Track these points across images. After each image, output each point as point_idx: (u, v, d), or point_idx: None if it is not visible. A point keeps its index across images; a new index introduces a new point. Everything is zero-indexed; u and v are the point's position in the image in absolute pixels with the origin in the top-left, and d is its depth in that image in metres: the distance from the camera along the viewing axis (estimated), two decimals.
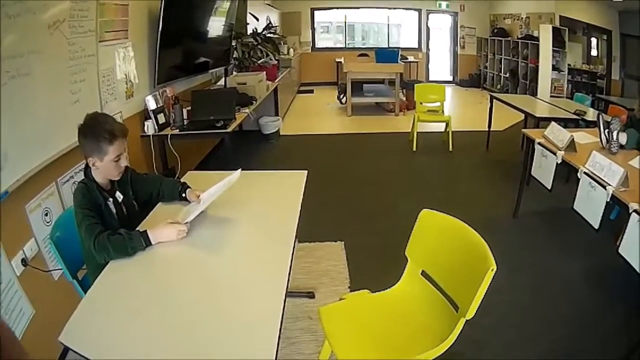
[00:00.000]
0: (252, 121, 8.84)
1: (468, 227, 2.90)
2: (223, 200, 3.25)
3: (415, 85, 10.63)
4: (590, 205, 4.59)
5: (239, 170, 3.29)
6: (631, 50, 12.46)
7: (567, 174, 6.38)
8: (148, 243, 2.75)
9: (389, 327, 3.00)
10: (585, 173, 4.69)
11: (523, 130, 6.55)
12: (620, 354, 3.85)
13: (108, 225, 2.80)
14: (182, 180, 3.59)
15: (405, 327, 3.00)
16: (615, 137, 5.32)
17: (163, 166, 6.06)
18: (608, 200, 4.24)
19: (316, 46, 18.51)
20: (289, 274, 2.54)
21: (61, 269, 3.02)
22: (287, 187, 3.79)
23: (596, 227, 4.46)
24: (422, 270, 3.24)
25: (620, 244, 3.93)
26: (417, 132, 9.52)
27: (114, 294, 2.41)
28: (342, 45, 18.93)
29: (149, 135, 5.84)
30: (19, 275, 3.26)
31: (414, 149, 9.44)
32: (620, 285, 4.90)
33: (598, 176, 4.48)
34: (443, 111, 10.24)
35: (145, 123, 5.82)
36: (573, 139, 5.27)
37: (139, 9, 5.72)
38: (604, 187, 4.31)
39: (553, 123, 5.83)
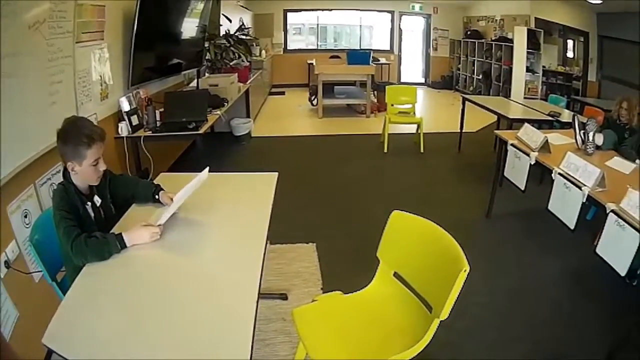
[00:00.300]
0: (223, 123, 8.98)
1: (439, 228, 2.90)
2: (195, 202, 3.28)
3: (387, 87, 10.55)
4: (565, 206, 4.55)
5: (207, 169, 3.28)
6: (609, 51, 12.55)
7: (540, 175, 6.25)
8: (123, 246, 2.74)
9: (362, 328, 2.98)
10: (559, 174, 4.64)
11: (496, 131, 6.52)
12: (604, 353, 3.86)
13: (86, 228, 2.78)
14: (155, 182, 3.55)
15: (379, 329, 2.98)
16: (591, 138, 5.32)
17: (136, 168, 5.97)
18: (584, 200, 4.22)
19: (288, 48, 18.32)
20: (261, 275, 2.56)
21: (41, 271, 2.98)
22: (258, 189, 3.79)
23: (572, 227, 4.45)
24: (394, 272, 3.23)
25: (597, 244, 3.96)
26: (389, 134, 9.47)
27: (91, 297, 2.41)
28: (314, 47, 18.77)
29: (123, 137, 5.78)
30: (2, 278, 3.24)
31: (386, 150, 9.38)
32: (599, 285, 4.90)
33: (573, 177, 4.44)
34: (414, 113, 10.19)
35: (119, 125, 5.76)
36: (547, 140, 5.22)
37: (115, 10, 5.66)
38: (580, 187, 4.27)
39: (526, 124, 5.79)
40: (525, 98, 12.17)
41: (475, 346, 3.98)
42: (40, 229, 3.01)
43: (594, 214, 5.71)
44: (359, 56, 13.26)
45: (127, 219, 3.20)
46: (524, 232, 6.16)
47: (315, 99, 13.00)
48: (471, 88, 17.14)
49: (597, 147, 5.43)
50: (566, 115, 7.75)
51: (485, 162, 8.18)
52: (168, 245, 2.85)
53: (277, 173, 4.03)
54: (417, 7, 18.28)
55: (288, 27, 18.15)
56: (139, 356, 1.96)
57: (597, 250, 3.96)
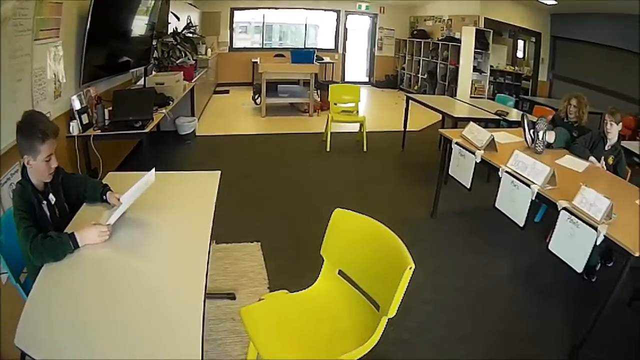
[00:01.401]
0: (169, 121, 8.86)
1: (382, 226, 2.91)
2: (141, 201, 3.25)
3: (330, 85, 10.43)
4: (514, 203, 4.53)
5: (153, 170, 3.32)
6: (562, 52, 12.84)
7: (487, 173, 6.31)
8: (76, 245, 2.72)
9: (311, 326, 2.97)
10: (507, 172, 4.58)
11: (440, 130, 6.45)
12: (563, 350, 3.91)
13: (42, 227, 2.79)
14: (103, 181, 3.55)
15: (327, 327, 2.98)
16: (541, 136, 5.29)
17: (87, 167, 5.88)
18: (533, 198, 4.20)
19: (234, 46, 17.90)
20: (207, 274, 2.59)
21: (7, 272, 2.98)
22: (202, 188, 3.81)
23: (521, 224, 4.46)
24: (339, 270, 3.23)
25: (550, 240, 4.00)
26: (331, 133, 9.39)
27: (52, 298, 2.38)
28: (260, 46, 18.45)
29: (74, 136, 5.68)
30: None
31: (328, 149, 9.28)
32: (553, 282, 4.93)
33: (521, 175, 4.39)
34: (358, 112, 10.11)
35: (71, 123, 5.64)
36: (493, 139, 5.13)
37: (70, 7, 5.52)
38: (528, 185, 4.23)
39: (472, 123, 5.70)
40: (472, 97, 12.09)
41: (426, 344, 3.94)
42: (4, 230, 2.97)
43: (542, 216, 5.75)
44: (303, 55, 13.14)
45: (79, 218, 3.18)
46: (471, 230, 6.12)
47: (259, 98, 12.76)
48: (416, 87, 17.13)
49: (549, 145, 5.43)
50: (514, 115, 7.75)
51: (430, 161, 8.08)
52: (117, 245, 2.85)
53: (220, 171, 4.01)
54: (363, 6, 18.21)
55: (234, 25, 17.82)
56: (101, 355, 2.00)
57: (550, 247, 3.97)
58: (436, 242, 5.77)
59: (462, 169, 5.47)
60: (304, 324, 2.97)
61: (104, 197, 3.30)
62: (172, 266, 2.68)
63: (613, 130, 5.13)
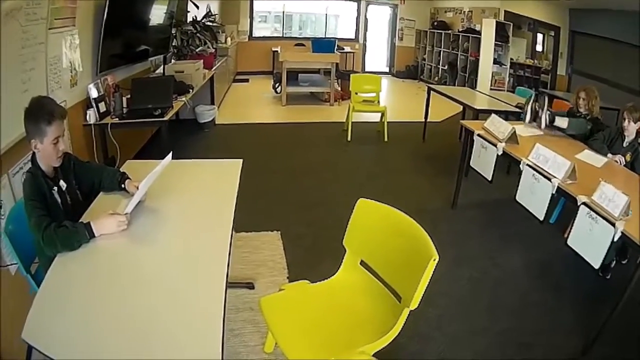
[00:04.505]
0: (188, 110, 8.90)
1: (406, 217, 2.90)
2: (161, 190, 3.28)
3: (351, 75, 10.47)
4: (534, 197, 4.52)
5: (169, 155, 3.27)
6: (581, 47, 12.63)
7: (507, 165, 6.32)
8: (92, 235, 2.70)
9: (331, 317, 2.96)
10: (528, 165, 4.58)
11: (461, 121, 6.38)
12: (576, 344, 3.89)
13: (53, 215, 2.77)
14: (121, 169, 3.51)
15: (348, 318, 2.96)
16: (545, 115, 5.61)
17: (104, 155, 5.88)
18: (554, 192, 4.20)
19: (253, 35, 17.94)
20: (229, 264, 2.54)
21: (17, 263, 2.97)
22: (223, 176, 3.73)
23: (541, 219, 4.47)
24: (361, 260, 3.23)
25: (569, 235, 3.98)
26: (352, 122, 9.38)
27: (64, 290, 2.34)
28: (279, 35, 18.41)
29: (91, 124, 5.68)
30: None
31: (349, 139, 9.29)
32: (569, 278, 4.89)
33: (542, 168, 4.39)
34: (379, 102, 10.12)
35: (87, 112, 5.65)
36: (515, 131, 5.13)
37: None
38: (549, 179, 4.23)
39: (493, 115, 5.69)
40: (491, 90, 12.09)
41: (442, 338, 3.92)
42: (15, 220, 2.99)
43: (557, 216, 5.74)
44: (323, 44, 13.17)
45: (95, 207, 3.14)
46: (489, 223, 6.12)
47: (280, 87, 12.83)
48: (436, 78, 17.12)
49: (562, 131, 5.68)
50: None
51: (450, 152, 8.11)
52: (135, 235, 2.80)
53: (241, 160, 3.99)
54: None
55: (254, 14, 17.84)
56: (112, 354, 1.93)
57: (569, 243, 3.95)
58: (455, 232, 5.76)
59: (483, 161, 5.49)
60: (324, 314, 2.98)
61: (123, 185, 3.30)
62: (192, 257, 2.64)
63: (630, 128, 5.14)
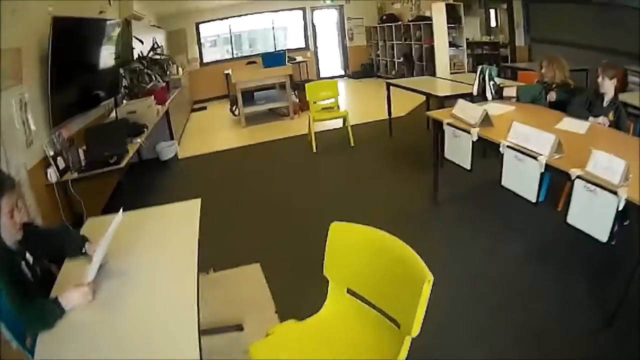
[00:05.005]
0: (148, 149, 8.94)
1: (389, 236, 2.64)
2: (121, 247, 3.09)
3: (306, 84, 10.02)
4: (522, 179, 4.28)
5: (120, 213, 3.02)
6: (536, 13, 12.60)
7: (482, 148, 5.87)
8: (62, 311, 2.53)
9: (328, 354, 2.72)
10: (508, 146, 4.30)
11: (428, 113, 6.08)
12: (590, 321, 3.74)
13: (27, 291, 2.65)
14: (84, 229, 3.46)
15: (345, 353, 2.72)
16: (489, 86, 5.79)
17: (72, 214, 5.68)
18: (542, 171, 3.98)
19: (204, 61, 17.78)
20: (198, 311, 2.42)
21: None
22: (182, 220, 3.56)
23: (534, 200, 4.22)
24: (348, 289, 2.97)
25: (567, 213, 3.77)
26: (315, 132, 9.15)
27: None
28: (231, 56, 18.26)
29: (53, 184, 5.47)
30: None
31: (315, 150, 9.05)
32: (571, 253, 4.68)
33: (525, 147, 4.14)
34: (338, 107, 9.83)
35: (47, 171, 5.43)
36: (487, 113, 4.84)
37: (30, 51, 5.47)
38: (535, 157, 3.99)
39: (460, 100, 5.43)
40: (452, 73, 12.02)
41: (447, 348, 3.68)
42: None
43: (546, 192, 5.41)
44: (273, 58, 12.97)
45: (62, 278, 2.95)
46: (477, 212, 5.87)
47: (237, 109, 12.62)
48: (393, 72, 16.91)
49: (517, 100, 5.85)
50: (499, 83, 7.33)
51: (421, 145, 7.96)
52: (103, 303, 2.65)
53: (199, 199, 3.76)
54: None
55: (203, 40, 17.76)
56: None
57: (569, 221, 3.74)
58: (443, 230, 5.48)
59: (458, 150, 5.18)
60: (320, 353, 2.72)
61: (84, 250, 3.08)
62: (162, 310, 2.51)
63: (606, 85, 5.04)
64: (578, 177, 3.55)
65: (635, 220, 4.11)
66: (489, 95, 5.30)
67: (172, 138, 10.11)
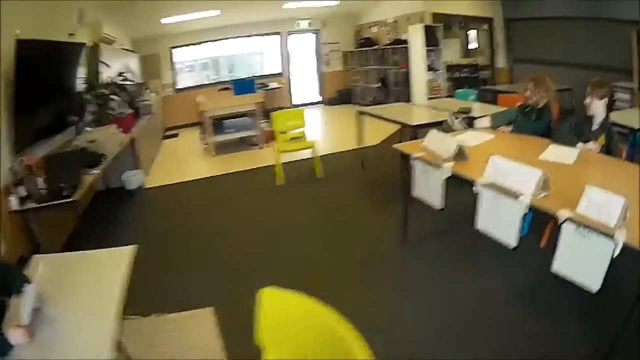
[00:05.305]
0: (113, 177, 8.92)
1: (323, 309, 2.20)
2: (55, 291, 3.05)
3: (272, 113, 9.61)
4: (500, 221, 3.76)
5: (40, 263, 3.20)
6: (518, 33, 12.81)
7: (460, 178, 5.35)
8: (11, 346, 2.58)
9: None
10: (485, 185, 3.78)
11: (395, 146, 5.47)
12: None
13: None
14: (28, 267, 3.36)
15: None
16: (451, 120, 5.73)
17: (32, 245, 5.51)
18: (525, 212, 3.46)
19: (179, 86, 17.31)
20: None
21: None
22: (112, 266, 3.37)
23: (513, 245, 3.69)
24: None
25: (553, 260, 3.31)
26: (283, 163, 8.80)
27: None
28: (206, 82, 17.86)
29: (14, 212, 5.37)
30: None
31: (281, 182, 8.65)
32: (552, 296, 4.34)
33: (504, 186, 3.62)
34: (305, 137, 9.56)
35: (10, 198, 5.35)
36: (461, 147, 4.34)
37: None
38: (516, 196, 3.46)
39: (432, 131, 4.92)
40: (430, 99, 11.80)
41: None
42: None
43: (528, 227, 5.06)
44: (244, 85, 12.77)
45: (12, 312, 2.91)
46: (450, 251, 5.42)
47: (206, 137, 12.26)
48: (370, 99, 16.50)
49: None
50: (478, 110, 7.08)
51: (393, 176, 7.20)
52: (35, 344, 2.61)
53: (134, 246, 3.53)
54: (303, 24, 17.65)
55: (180, 65, 17.39)
56: None
57: (555, 269, 3.29)
58: (413, 271, 5.04)
59: (428, 187, 4.66)
60: None
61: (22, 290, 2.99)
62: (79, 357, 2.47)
63: (595, 106, 4.71)
64: (568, 219, 3.07)
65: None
66: (459, 127, 4.84)
67: (137, 167, 9.74)
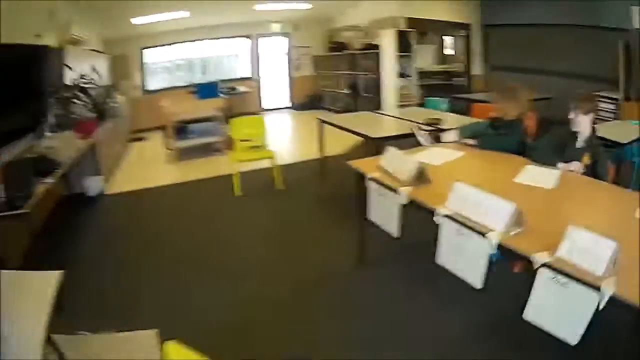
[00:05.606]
0: (75, 182, 8.60)
1: None
2: None
3: (230, 120, 9.30)
4: (464, 259, 3.19)
5: None
6: (496, 40, 12.71)
7: None
8: None
9: None
10: (447, 216, 3.20)
11: (350, 163, 5.02)
12: None
13: None
14: None
15: None
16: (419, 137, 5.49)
17: None
18: (494, 252, 2.90)
19: (149, 88, 16.81)
20: None
21: None
22: (36, 291, 3.14)
23: (479, 286, 3.13)
24: None
25: (526, 306, 2.80)
26: (242, 172, 8.40)
27: None
28: (181, 84, 17.11)
29: None
30: None
31: (239, 193, 8.21)
32: (526, 330, 3.39)
33: (470, 219, 3.05)
34: (265, 145, 8.97)
35: None
36: (422, 169, 3.77)
37: None
38: (483, 233, 2.92)
39: (390, 149, 4.35)
40: (400, 106, 11.64)
41: None
42: None
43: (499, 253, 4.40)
44: (208, 89, 12.49)
45: None
46: (412, 277, 4.95)
47: (171, 143, 11.89)
48: (339, 104, 16.27)
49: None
50: (449, 121, 6.61)
51: (356, 189, 6.78)
52: None
53: (58, 272, 3.23)
54: (275, 27, 17.34)
55: (155, 66, 16.99)
56: None
57: (528, 317, 2.77)
58: (369, 299, 4.60)
59: (384, 212, 4.09)
60: None
61: None
62: None
63: (580, 122, 4.25)
64: (544, 265, 2.55)
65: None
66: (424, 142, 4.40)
67: (98, 173, 9.36)
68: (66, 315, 3.19)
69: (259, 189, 8.50)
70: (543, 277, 2.58)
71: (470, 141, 4.93)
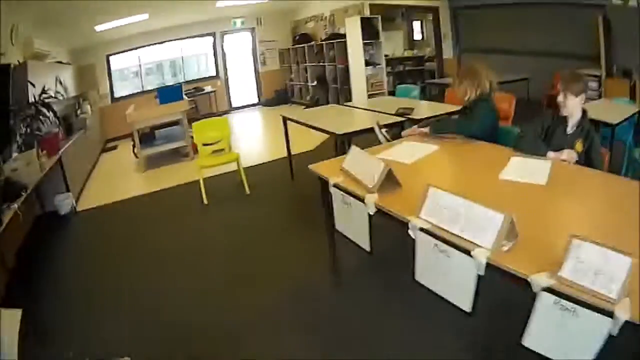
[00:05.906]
0: (49, 200, 8.34)
1: None
2: None
3: (193, 124, 8.85)
4: (447, 278, 2.64)
5: None
6: (465, 22, 12.55)
7: None
8: None
9: None
10: (422, 229, 2.64)
11: (311, 167, 4.46)
12: None
13: None
14: None
15: None
16: (381, 134, 5.22)
17: None
18: (481, 273, 2.38)
19: (117, 95, 16.36)
20: None
21: None
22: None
23: (467, 309, 2.58)
24: None
25: (524, 332, 2.34)
26: (208, 178, 8.15)
27: None
28: (149, 88, 16.65)
29: None
30: None
31: (205, 201, 7.77)
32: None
33: (451, 232, 2.50)
34: (229, 148, 8.55)
35: None
36: (389, 171, 3.16)
37: None
38: (468, 251, 2.39)
39: (353, 148, 3.85)
40: (371, 96, 11.33)
41: None
42: None
43: None
44: (170, 92, 11.83)
45: None
46: (389, 292, 4.43)
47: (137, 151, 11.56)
48: (308, 97, 16.14)
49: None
50: (422, 109, 6.23)
51: (322, 197, 6.38)
52: None
53: (19, 310, 3.24)
54: (238, 22, 16.99)
55: (125, 71, 16.61)
56: None
57: (526, 343, 2.31)
58: (343, 315, 4.18)
59: (352, 223, 3.55)
60: None
61: None
62: None
63: (570, 105, 3.84)
64: (546, 289, 2.11)
65: None
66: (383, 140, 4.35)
67: (67, 190, 8.92)
68: None
69: (227, 195, 8.20)
70: (544, 302, 2.15)
71: (425, 129, 4.48)
